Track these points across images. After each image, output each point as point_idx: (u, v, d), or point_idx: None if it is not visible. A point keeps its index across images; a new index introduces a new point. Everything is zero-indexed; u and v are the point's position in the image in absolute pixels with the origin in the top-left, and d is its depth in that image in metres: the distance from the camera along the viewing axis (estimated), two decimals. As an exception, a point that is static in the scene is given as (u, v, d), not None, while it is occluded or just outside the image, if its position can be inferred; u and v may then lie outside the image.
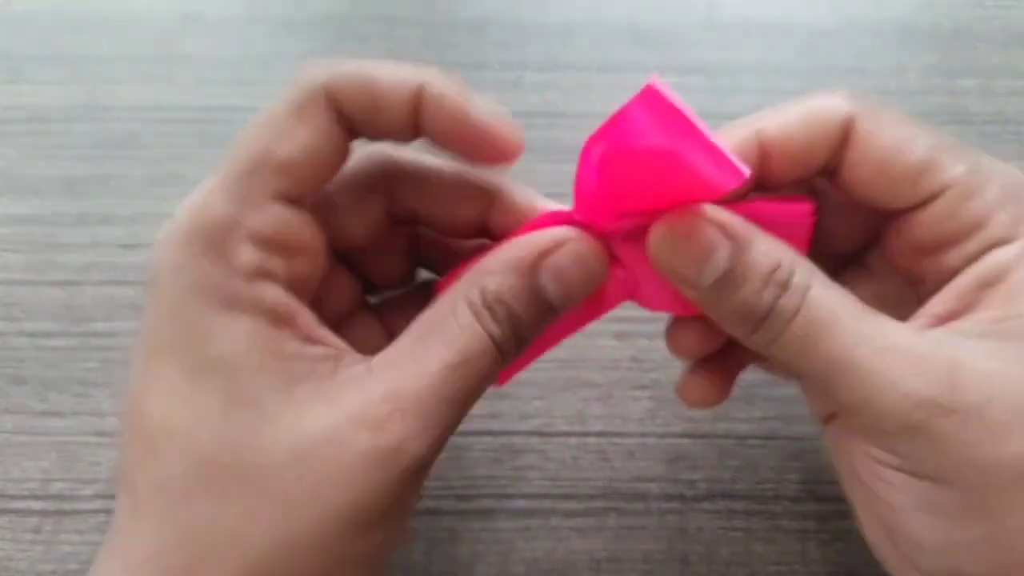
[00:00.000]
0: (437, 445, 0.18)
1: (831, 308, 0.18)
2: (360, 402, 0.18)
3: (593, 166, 0.19)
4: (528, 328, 0.19)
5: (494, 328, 0.19)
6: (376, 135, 0.20)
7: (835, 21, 0.38)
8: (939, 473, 0.17)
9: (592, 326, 0.23)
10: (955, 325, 0.19)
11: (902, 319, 0.19)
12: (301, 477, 0.17)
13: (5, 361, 0.30)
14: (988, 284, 0.19)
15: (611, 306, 0.22)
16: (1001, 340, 0.18)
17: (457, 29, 0.37)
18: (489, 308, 0.19)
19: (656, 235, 0.19)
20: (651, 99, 0.18)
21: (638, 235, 0.20)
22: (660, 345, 0.29)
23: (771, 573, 0.26)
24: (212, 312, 0.18)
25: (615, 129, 0.19)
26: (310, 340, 0.19)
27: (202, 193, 0.19)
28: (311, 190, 0.20)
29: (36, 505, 0.27)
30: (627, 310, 0.30)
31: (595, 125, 0.37)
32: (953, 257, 0.19)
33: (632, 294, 0.22)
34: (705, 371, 0.23)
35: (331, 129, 0.19)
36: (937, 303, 0.19)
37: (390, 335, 0.24)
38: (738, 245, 0.18)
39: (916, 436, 0.17)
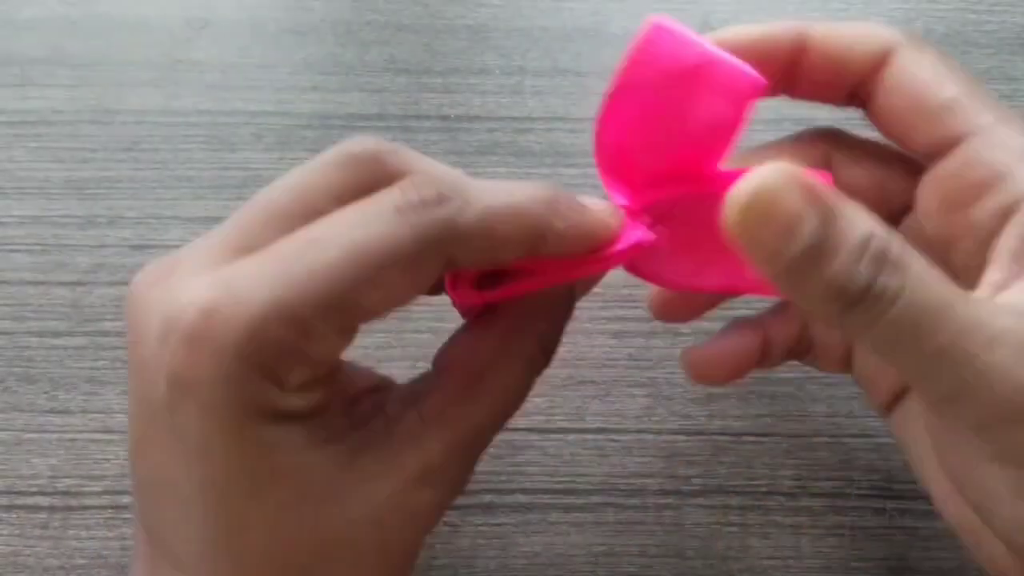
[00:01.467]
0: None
1: (936, 292, 0.16)
2: (420, 463, 0.19)
3: (614, 116, 0.19)
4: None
5: (540, 362, 0.20)
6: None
7: (829, 27, 0.38)
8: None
9: (591, 326, 0.24)
10: (1020, 292, 0.18)
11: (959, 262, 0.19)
12: (383, 544, 0.18)
13: (14, 360, 0.30)
14: None
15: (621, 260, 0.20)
16: None
17: (458, 35, 0.38)
18: (545, 353, 0.20)
19: (733, 202, 0.15)
20: (656, 35, 0.18)
21: (677, 209, 0.19)
22: (657, 344, 0.30)
23: (766, 567, 0.26)
24: (266, 426, 0.17)
25: (629, 71, 0.19)
26: (355, 403, 0.19)
27: (255, 305, 0.16)
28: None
29: (44, 501, 0.28)
30: (624, 309, 0.30)
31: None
32: (982, 211, 0.19)
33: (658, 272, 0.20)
34: (721, 347, 0.23)
35: (435, 278, 0.18)
36: (996, 271, 0.18)
37: None
38: (828, 212, 0.15)
39: (1020, 424, 0.16)
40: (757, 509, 0.27)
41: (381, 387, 0.21)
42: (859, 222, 0.16)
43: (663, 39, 0.18)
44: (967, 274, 0.19)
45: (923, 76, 0.20)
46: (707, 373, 0.23)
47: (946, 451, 0.20)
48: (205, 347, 0.16)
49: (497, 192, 0.18)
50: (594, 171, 0.34)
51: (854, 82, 0.21)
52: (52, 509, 0.28)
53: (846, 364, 0.24)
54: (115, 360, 0.30)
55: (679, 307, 0.23)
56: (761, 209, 0.15)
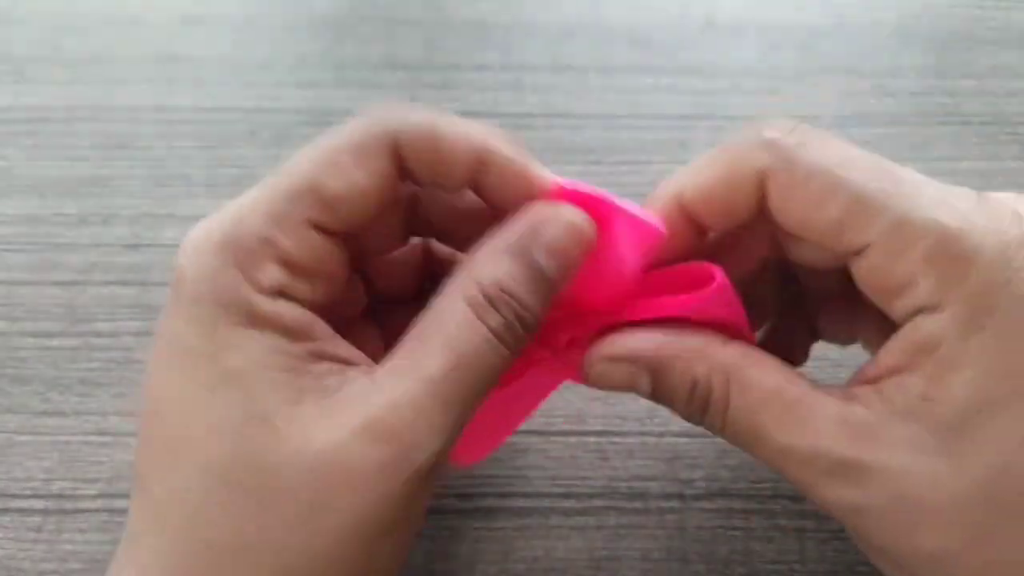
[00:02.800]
0: (444, 448, 0.18)
1: (751, 423, 0.19)
2: (363, 414, 0.18)
3: None
4: (534, 311, 0.19)
5: (495, 321, 0.18)
6: (431, 186, 0.21)
7: (832, 23, 0.38)
8: (867, 548, 0.20)
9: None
10: (893, 388, 0.18)
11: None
12: (313, 492, 0.17)
13: (7, 361, 0.30)
14: (923, 349, 0.18)
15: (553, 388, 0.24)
16: (925, 426, 0.18)
17: (457, 30, 0.37)
18: (490, 300, 0.19)
19: (589, 373, 0.21)
20: (560, 195, 0.20)
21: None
22: (659, 345, 0.30)
23: (769, 571, 0.26)
24: (233, 326, 0.18)
25: None
26: (323, 357, 0.19)
27: (241, 205, 0.19)
28: (351, 228, 0.20)
29: (38, 504, 0.27)
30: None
31: (594, 126, 0.37)
32: (896, 307, 0.19)
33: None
34: None
35: (387, 175, 0.20)
36: (884, 355, 0.19)
37: (386, 342, 0.24)
38: (655, 373, 0.20)
39: (844, 524, 0.19)
40: (761, 513, 0.27)
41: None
42: (682, 372, 0.20)
43: (568, 197, 0.20)
44: None
45: (801, 201, 0.19)
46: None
47: None
48: (195, 250, 0.19)
49: (449, 116, 0.20)
50: (596, 167, 0.34)
51: (748, 220, 0.20)
52: (46, 512, 0.27)
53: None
54: (109, 361, 0.30)
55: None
56: (603, 376, 0.21)
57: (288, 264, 0.19)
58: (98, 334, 0.30)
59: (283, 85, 0.36)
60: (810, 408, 0.19)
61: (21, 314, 0.31)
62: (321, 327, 0.19)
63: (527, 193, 0.20)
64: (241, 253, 0.18)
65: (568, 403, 0.29)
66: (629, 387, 0.21)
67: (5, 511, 0.27)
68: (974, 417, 0.17)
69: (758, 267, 0.23)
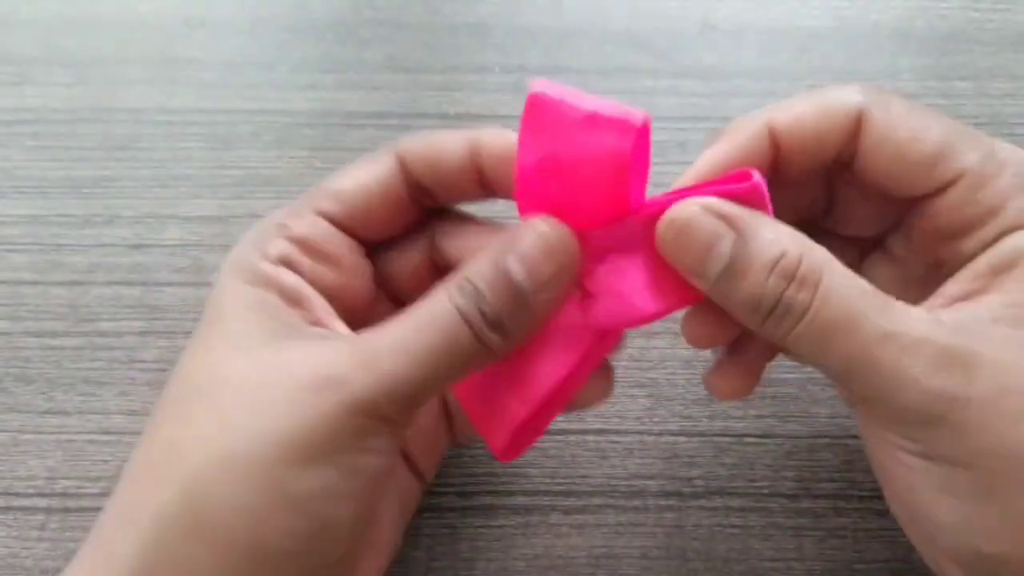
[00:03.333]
0: (387, 390, 0.18)
1: (847, 304, 0.18)
2: (320, 348, 0.19)
3: (526, 182, 0.20)
4: (497, 309, 0.19)
5: (459, 299, 0.19)
6: (445, 193, 0.23)
7: (830, 24, 0.38)
8: (956, 458, 0.18)
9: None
10: (971, 307, 0.19)
11: (925, 300, 0.20)
12: (246, 399, 0.18)
13: (11, 360, 0.30)
14: (1003, 268, 0.19)
15: (609, 345, 0.22)
16: (1016, 327, 0.18)
17: (458, 33, 0.38)
18: (458, 286, 0.19)
19: (662, 228, 0.19)
20: (537, 101, 0.20)
21: (621, 244, 0.20)
22: (657, 344, 0.30)
23: (767, 569, 0.26)
24: (237, 282, 0.21)
25: (524, 139, 0.20)
26: (317, 324, 0.21)
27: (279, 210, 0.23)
28: (360, 222, 0.23)
29: (42, 503, 0.28)
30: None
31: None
32: (970, 243, 0.20)
33: (618, 321, 0.21)
34: (732, 363, 0.23)
35: (389, 176, 0.22)
36: (954, 284, 0.20)
37: None
38: (741, 234, 0.19)
39: (935, 426, 0.18)
40: (759, 511, 0.27)
41: None
42: (771, 242, 0.19)
43: (545, 103, 0.20)
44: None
45: (900, 133, 0.20)
46: (734, 392, 0.23)
47: (875, 448, 0.20)
48: (241, 240, 0.22)
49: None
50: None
51: (833, 157, 0.21)
52: (49, 511, 0.27)
53: None
54: (112, 361, 0.30)
55: (712, 332, 0.22)
56: (682, 232, 0.19)
57: (294, 240, 0.22)
58: (102, 334, 0.31)
59: (285, 87, 0.36)
60: (905, 308, 0.19)
61: (25, 314, 0.31)
62: (320, 302, 0.21)
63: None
64: (259, 234, 0.22)
65: (568, 402, 0.29)
66: (707, 245, 0.19)
67: (8, 509, 0.27)
68: None
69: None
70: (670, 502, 0.27)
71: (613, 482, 0.28)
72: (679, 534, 0.27)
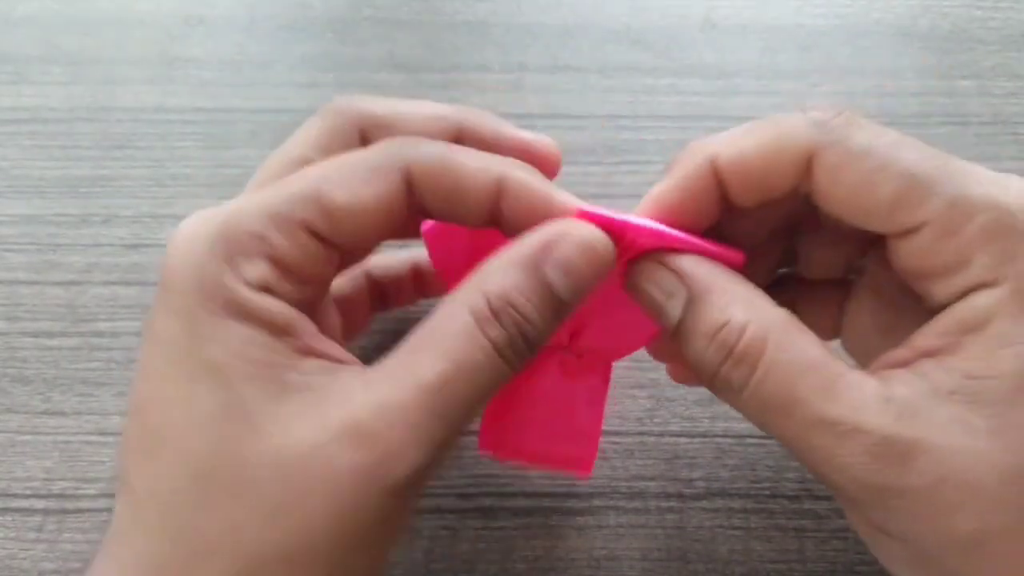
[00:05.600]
0: (429, 461, 0.18)
1: (785, 384, 0.18)
2: (347, 415, 0.17)
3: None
4: (540, 328, 0.18)
5: (497, 333, 0.18)
6: (449, 219, 0.20)
7: (832, 23, 0.38)
8: (891, 534, 0.18)
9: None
10: (931, 372, 0.18)
11: (912, 320, 0.19)
12: (286, 491, 0.17)
13: (8, 361, 0.30)
14: (969, 328, 0.18)
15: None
16: (971, 405, 0.17)
17: (458, 31, 0.38)
18: (495, 312, 0.18)
19: (628, 272, 0.20)
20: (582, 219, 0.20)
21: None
22: (659, 345, 0.30)
23: (769, 571, 0.26)
24: (214, 316, 0.18)
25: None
26: (310, 352, 0.19)
27: (241, 201, 0.19)
28: (347, 242, 0.19)
29: (39, 504, 0.27)
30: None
31: (594, 126, 0.37)
32: (939, 289, 0.18)
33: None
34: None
35: (394, 199, 0.19)
36: (922, 337, 0.19)
37: (348, 323, 0.25)
38: (691, 294, 0.19)
39: (871, 508, 0.18)
40: (760, 512, 0.27)
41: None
42: (718, 309, 0.18)
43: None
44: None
45: (853, 176, 0.18)
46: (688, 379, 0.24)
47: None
48: (184, 241, 0.18)
49: (464, 149, 0.20)
50: (596, 168, 0.34)
51: (786, 194, 0.20)
52: (47, 512, 0.27)
53: (836, 332, 0.24)
54: (109, 361, 0.30)
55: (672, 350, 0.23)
56: (643, 281, 0.19)
57: (278, 263, 0.18)
58: (99, 334, 0.30)
59: (284, 85, 0.36)
60: (852, 384, 0.18)
61: (22, 314, 0.31)
62: (306, 325, 0.19)
63: (548, 219, 0.19)
64: (231, 246, 0.18)
65: (568, 403, 0.29)
66: (662, 298, 0.19)
67: (6, 511, 0.27)
68: None
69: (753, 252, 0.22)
70: (671, 503, 0.27)
71: (614, 483, 0.28)
72: (680, 536, 0.27)
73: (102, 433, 0.29)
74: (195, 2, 0.38)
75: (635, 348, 0.24)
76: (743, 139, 0.19)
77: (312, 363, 0.18)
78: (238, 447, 0.17)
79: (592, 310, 0.21)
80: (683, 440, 0.28)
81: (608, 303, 0.21)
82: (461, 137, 0.21)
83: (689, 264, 0.19)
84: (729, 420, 0.28)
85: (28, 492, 0.28)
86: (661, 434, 0.28)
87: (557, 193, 0.19)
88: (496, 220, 0.20)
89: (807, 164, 0.19)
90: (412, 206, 0.20)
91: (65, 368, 0.30)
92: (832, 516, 0.27)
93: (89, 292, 0.31)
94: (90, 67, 0.36)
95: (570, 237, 0.19)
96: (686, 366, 0.21)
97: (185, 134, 0.35)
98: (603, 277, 0.19)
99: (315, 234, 0.19)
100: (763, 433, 0.28)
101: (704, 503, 0.27)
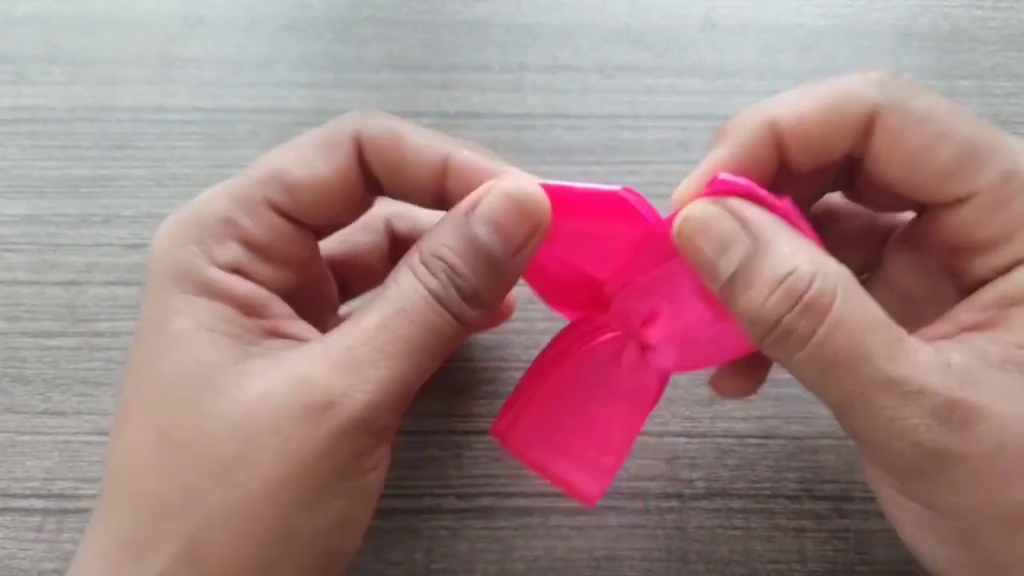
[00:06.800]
0: (378, 403, 0.18)
1: (853, 339, 0.17)
2: (296, 366, 0.18)
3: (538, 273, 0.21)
4: (473, 282, 0.19)
5: (431, 281, 0.18)
6: (399, 194, 0.21)
7: (832, 22, 0.38)
8: (942, 508, 0.18)
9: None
10: (981, 343, 0.18)
11: (934, 313, 0.19)
12: (236, 447, 0.17)
13: (8, 361, 0.30)
14: (1015, 302, 0.18)
15: (658, 396, 0.23)
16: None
17: (457, 31, 0.37)
18: (426, 263, 0.18)
19: (678, 223, 0.19)
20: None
21: (669, 291, 0.21)
22: (659, 345, 0.30)
23: (769, 571, 0.26)
24: (184, 295, 0.18)
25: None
26: (278, 333, 0.19)
27: (211, 190, 0.20)
28: (313, 218, 0.20)
29: (39, 504, 0.27)
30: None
31: (594, 126, 0.37)
32: (981, 264, 0.18)
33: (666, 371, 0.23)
34: (737, 363, 0.22)
35: (348, 168, 0.20)
36: (963, 312, 0.19)
37: None
38: (756, 241, 0.17)
39: (926, 477, 0.17)
40: (761, 512, 0.27)
41: None
42: (784, 256, 0.17)
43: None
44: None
45: (912, 142, 0.18)
46: (737, 391, 0.23)
47: (866, 472, 0.20)
48: (163, 231, 0.19)
49: (414, 125, 0.21)
50: (596, 168, 0.34)
51: (843, 156, 0.19)
52: (47, 512, 0.27)
53: None
54: (109, 361, 0.30)
55: (739, 383, 0.23)
56: (697, 230, 0.18)
57: (248, 243, 0.19)
58: (99, 334, 0.30)
59: (284, 85, 0.36)
60: (915, 348, 0.17)
61: (22, 314, 0.31)
62: (279, 306, 0.20)
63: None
64: (202, 231, 0.19)
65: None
66: (719, 246, 0.18)
67: (6, 511, 0.27)
68: None
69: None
70: (671, 504, 0.27)
71: (614, 483, 0.27)
72: (680, 536, 0.27)
73: (102, 433, 0.29)
74: (195, 2, 0.38)
75: (707, 364, 0.22)
76: (803, 100, 0.19)
77: (278, 341, 0.19)
78: (197, 408, 0.18)
79: (668, 298, 0.21)
80: (683, 440, 0.28)
81: (682, 299, 0.20)
82: (449, 173, 0.20)
83: (752, 212, 0.18)
84: (729, 420, 0.28)
85: (28, 492, 0.28)
86: (661, 434, 0.28)
87: (500, 170, 0.20)
88: (444, 200, 0.20)
89: (868, 126, 0.19)
90: (366, 180, 0.21)
91: (65, 368, 0.30)
92: (832, 516, 0.27)
93: (89, 292, 0.31)
94: (90, 67, 0.36)
95: (495, 189, 0.19)
96: (734, 373, 0.22)
97: (185, 134, 0.34)
98: (537, 231, 0.19)
99: (281, 212, 0.20)
100: (763, 433, 0.28)
101: (704, 503, 0.27)
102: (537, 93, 0.36)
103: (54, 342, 0.30)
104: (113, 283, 0.31)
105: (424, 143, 0.20)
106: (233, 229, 0.19)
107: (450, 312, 0.18)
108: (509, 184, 0.19)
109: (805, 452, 0.28)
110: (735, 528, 0.27)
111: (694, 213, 0.18)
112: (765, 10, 0.38)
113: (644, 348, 0.22)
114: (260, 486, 0.17)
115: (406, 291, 0.18)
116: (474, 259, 0.19)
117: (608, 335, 0.22)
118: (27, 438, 0.29)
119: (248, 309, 0.19)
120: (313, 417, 0.17)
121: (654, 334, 0.22)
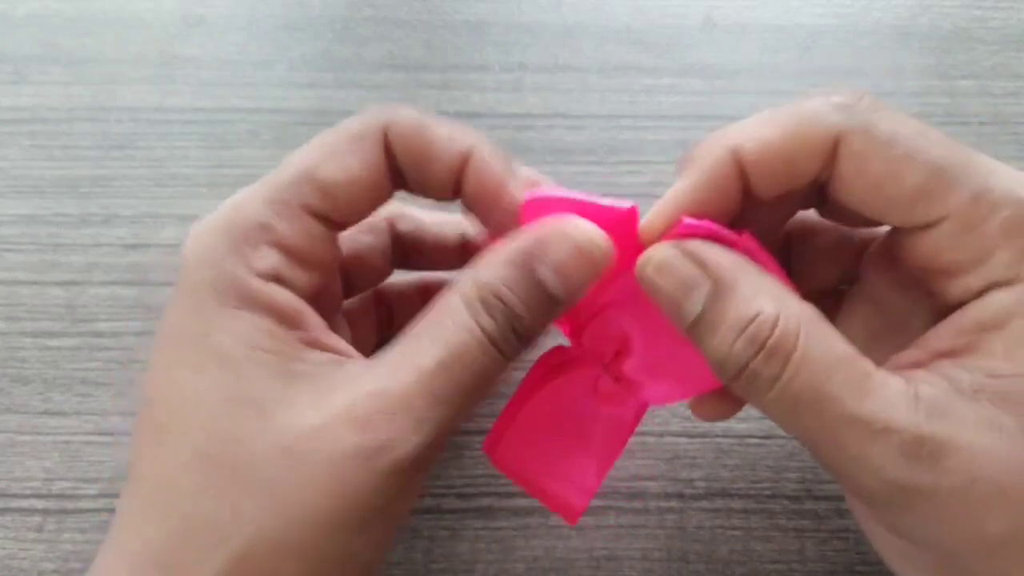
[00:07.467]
0: (429, 445, 0.18)
1: (818, 379, 0.17)
2: (349, 401, 0.18)
3: None
4: (529, 323, 0.18)
5: (487, 322, 0.18)
6: (419, 187, 0.21)
7: (832, 22, 0.38)
8: (915, 539, 0.18)
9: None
10: (953, 372, 0.17)
11: (915, 326, 0.19)
12: (288, 475, 0.17)
13: (8, 361, 0.30)
14: (989, 327, 0.17)
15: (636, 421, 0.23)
16: (998, 404, 0.17)
17: (457, 31, 0.37)
18: (483, 302, 0.18)
19: (640, 264, 0.19)
20: (531, 206, 0.20)
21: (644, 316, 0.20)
22: (659, 345, 0.30)
23: (769, 571, 0.26)
24: (224, 307, 0.18)
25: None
26: (317, 345, 0.19)
27: (242, 194, 0.19)
28: (345, 216, 0.20)
29: (39, 504, 0.27)
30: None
31: (594, 126, 0.37)
32: (955, 286, 0.18)
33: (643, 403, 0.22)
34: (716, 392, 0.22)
35: (379, 165, 0.20)
36: (937, 338, 0.18)
37: (356, 338, 0.24)
38: (716, 285, 0.18)
39: (898, 510, 0.17)
40: (761, 512, 0.27)
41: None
42: (746, 299, 0.17)
43: (539, 206, 0.20)
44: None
45: (877, 165, 0.18)
46: (716, 416, 0.23)
47: (847, 495, 0.20)
48: (196, 238, 0.19)
49: (440, 118, 0.21)
50: (596, 168, 0.34)
51: (807, 183, 0.19)
52: (47, 512, 0.27)
53: None
54: (109, 361, 0.30)
55: (718, 408, 0.22)
56: (658, 274, 0.18)
57: (284, 249, 0.19)
58: (99, 334, 0.30)
59: (283, 85, 0.36)
60: (881, 382, 0.17)
61: (22, 314, 0.31)
62: (313, 317, 0.19)
63: (498, 203, 0.20)
64: (238, 236, 0.19)
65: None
66: (681, 290, 0.18)
67: (6, 511, 0.27)
68: None
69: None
70: (671, 504, 0.27)
71: (614, 483, 0.27)
72: (680, 536, 0.27)
73: (102, 433, 0.29)
74: (195, 2, 0.38)
75: (683, 396, 0.22)
76: (766, 127, 0.19)
77: (319, 355, 0.19)
78: (243, 431, 0.18)
79: (639, 329, 0.21)
80: (683, 440, 0.28)
81: (655, 326, 0.20)
82: (468, 166, 0.20)
83: (711, 253, 0.18)
84: (729, 420, 0.28)
85: (28, 492, 0.28)
86: (661, 434, 0.28)
87: (514, 179, 0.20)
88: (458, 191, 0.20)
89: (832, 151, 0.18)
90: (391, 172, 0.20)
91: (65, 368, 0.30)
92: (832, 516, 0.27)
93: (89, 292, 0.31)
94: (90, 67, 0.36)
95: (567, 239, 0.19)
96: (713, 399, 0.22)
97: (185, 134, 0.34)
98: (599, 276, 0.19)
99: (315, 213, 0.19)
100: (763, 433, 0.28)
101: (704, 503, 0.27)
102: (537, 93, 0.36)
103: (54, 342, 0.30)
104: (113, 283, 0.31)
105: (448, 136, 0.20)
106: (268, 234, 0.19)
107: (500, 352, 0.18)
108: (580, 235, 0.19)
109: (805, 452, 0.28)
110: (735, 528, 0.27)
111: (654, 256, 0.18)
112: (765, 10, 0.38)
113: (618, 380, 0.22)
114: (312, 513, 0.17)
115: (462, 333, 0.18)
116: (535, 302, 0.18)
117: (582, 369, 0.22)
118: (27, 438, 0.29)
119: (286, 319, 0.19)
120: (369, 457, 0.17)
121: (627, 366, 0.22)
